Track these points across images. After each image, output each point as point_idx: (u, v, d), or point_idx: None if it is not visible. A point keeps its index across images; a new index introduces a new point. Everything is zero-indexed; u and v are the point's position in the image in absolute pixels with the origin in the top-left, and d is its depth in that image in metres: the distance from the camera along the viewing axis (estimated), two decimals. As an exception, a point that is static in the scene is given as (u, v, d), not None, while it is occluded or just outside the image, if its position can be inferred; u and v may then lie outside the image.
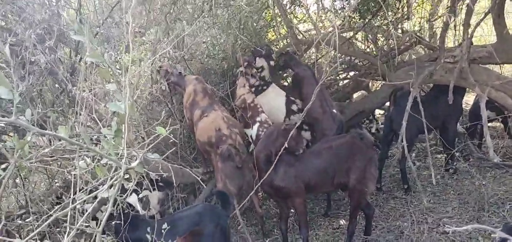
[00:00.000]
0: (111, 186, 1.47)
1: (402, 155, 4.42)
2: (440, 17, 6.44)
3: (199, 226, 2.92)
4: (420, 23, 6.44)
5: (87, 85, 3.10)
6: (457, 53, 4.65)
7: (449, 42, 6.08)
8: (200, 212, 3.04)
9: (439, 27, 6.47)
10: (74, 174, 1.76)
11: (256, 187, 3.53)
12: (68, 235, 1.49)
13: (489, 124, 5.03)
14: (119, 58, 3.95)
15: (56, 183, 3.58)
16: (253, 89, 4.66)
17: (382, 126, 6.30)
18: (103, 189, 1.46)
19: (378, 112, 7.06)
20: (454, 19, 5.13)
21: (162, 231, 2.43)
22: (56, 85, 4.05)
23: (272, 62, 4.77)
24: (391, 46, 5.90)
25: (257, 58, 4.73)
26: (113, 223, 2.88)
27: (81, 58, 3.75)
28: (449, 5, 5.16)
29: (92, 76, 3.24)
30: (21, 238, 2.78)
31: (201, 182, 3.23)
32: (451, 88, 4.37)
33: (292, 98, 4.69)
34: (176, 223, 2.90)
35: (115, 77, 1.66)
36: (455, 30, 6.03)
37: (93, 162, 1.73)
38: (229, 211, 3.22)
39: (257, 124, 4.34)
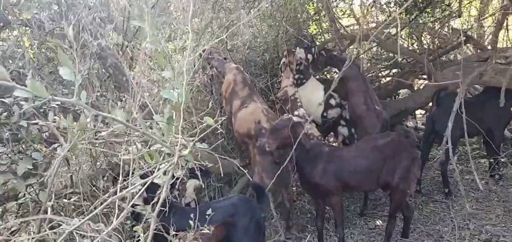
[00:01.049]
0: (164, 173, 1.49)
1: (446, 157, 4.28)
2: (491, 15, 6.16)
3: (233, 218, 2.93)
4: (468, 21, 6.19)
5: (142, 70, 3.17)
6: (510, 54, 4.44)
7: (501, 42, 5.80)
8: (235, 204, 3.04)
9: (490, 26, 6.20)
10: (124, 158, 1.80)
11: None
12: (118, 216, 1.54)
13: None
14: (164, 47, 4.03)
15: (100, 165, 3.69)
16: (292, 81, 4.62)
17: (423, 125, 6.11)
18: (157, 174, 1.48)
19: (419, 112, 6.86)
20: (508, 18, 4.89)
21: (206, 217, 2.45)
22: (103, 70, 4.17)
23: (309, 56, 4.68)
24: (437, 45, 5.71)
25: (297, 48, 4.66)
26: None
27: (127, 44, 3.84)
28: (501, 3, 4.93)
29: (145, 63, 3.30)
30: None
31: (242, 171, 3.22)
32: (503, 91, 4.17)
33: (331, 93, 4.61)
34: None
35: (171, 63, 1.68)
36: (507, 30, 5.76)
37: (144, 148, 1.77)
38: (264, 204, 3.21)
39: (295, 118, 4.31)
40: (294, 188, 4.62)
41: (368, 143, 3.64)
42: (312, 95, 4.62)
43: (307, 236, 4.03)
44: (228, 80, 4.22)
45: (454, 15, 5.62)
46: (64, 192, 3.35)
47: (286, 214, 4.05)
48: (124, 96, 3.81)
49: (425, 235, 3.90)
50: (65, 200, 3.37)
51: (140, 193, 1.62)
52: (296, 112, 4.31)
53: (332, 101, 4.57)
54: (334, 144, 4.61)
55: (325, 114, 4.57)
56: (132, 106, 2.13)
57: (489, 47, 5.02)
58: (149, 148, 1.70)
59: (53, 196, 2.48)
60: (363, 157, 3.52)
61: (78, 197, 3.16)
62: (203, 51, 4.32)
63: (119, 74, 3.69)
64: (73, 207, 3.33)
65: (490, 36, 5.75)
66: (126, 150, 2.04)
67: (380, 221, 4.24)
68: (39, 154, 2.74)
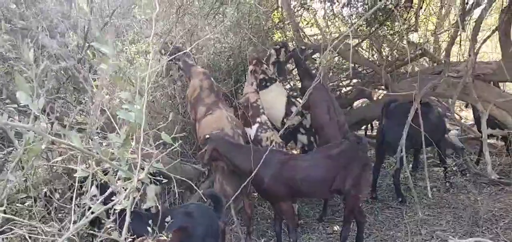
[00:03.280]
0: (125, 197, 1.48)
1: (400, 165, 4.46)
2: (446, 31, 6.49)
3: (190, 225, 2.93)
4: (425, 35, 6.48)
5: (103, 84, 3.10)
6: (462, 68, 4.69)
7: (454, 57, 6.11)
8: (192, 212, 3.04)
9: (444, 40, 6.51)
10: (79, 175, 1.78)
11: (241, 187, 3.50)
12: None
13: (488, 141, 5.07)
14: (126, 49, 3.99)
15: (56, 170, 3.60)
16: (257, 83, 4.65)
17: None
18: (118, 200, 1.47)
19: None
20: (460, 34, 5.17)
21: (165, 223, 2.45)
22: (62, 72, 4.07)
23: (280, 57, 4.74)
24: (395, 57, 5.95)
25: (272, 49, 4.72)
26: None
27: (89, 45, 3.77)
28: (456, 19, 5.20)
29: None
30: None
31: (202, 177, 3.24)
32: (453, 103, 4.41)
33: (293, 100, 4.70)
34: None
35: (131, 82, 1.66)
36: (460, 45, 6.08)
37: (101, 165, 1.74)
38: (222, 213, 3.21)
39: (257, 125, 4.34)
40: (255, 194, 4.66)
41: (322, 152, 3.74)
42: (275, 100, 4.69)
43: (268, 241, 4.10)
44: (194, 85, 4.19)
45: (412, 29, 5.89)
46: (18, 196, 3.26)
47: (247, 220, 4.08)
48: (84, 99, 3.74)
49: (379, 240, 4.04)
50: (19, 204, 3.27)
51: (100, 200, 1.60)
52: (258, 119, 4.34)
53: (294, 109, 4.63)
54: (294, 152, 4.68)
55: (285, 120, 4.64)
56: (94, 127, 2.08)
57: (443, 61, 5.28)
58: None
59: (6, 201, 2.40)
60: (316, 166, 3.59)
61: (32, 202, 3.07)
62: (167, 43, 4.27)
63: (78, 76, 3.61)
64: (27, 211, 3.24)
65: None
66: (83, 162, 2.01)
67: (338, 226, 4.36)
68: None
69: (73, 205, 1.95)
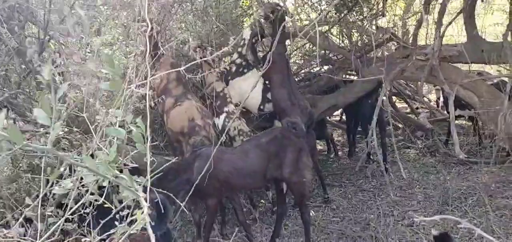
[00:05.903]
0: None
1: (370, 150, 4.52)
2: (413, 15, 6.58)
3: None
4: (393, 20, 6.56)
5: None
6: (429, 51, 4.76)
7: (421, 40, 6.22)
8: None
9: (412, 25, 6.61)
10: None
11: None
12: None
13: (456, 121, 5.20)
14: (90, 41, 3.85)
15: (20, 167, 3.46)
16: (233, 68, 4.56)
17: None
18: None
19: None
20: (427, 18, 5.25)
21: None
22: (23, 66, 3.90)
23: (254, 39, 4.61)
24: (365, 42, 5.99)
25: (245, 30, 4.58)
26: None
27: (50, 38, 3.62)
28: (422, 3, 5.28)
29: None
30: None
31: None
32: (421, 85, 4.47)
33: (269, 86, 4.64)
34: None
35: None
36: (427, 29, 6.19)
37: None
38: (163, 224, 3.07)
39: (224, 114, 4.27)
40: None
41: (251, 142, 3.65)
42: (251, 88, 4.59)
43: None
44: (161, 76, 4.10)
45: (380, 14, 5.94)
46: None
47: (221, 210, 4.06)
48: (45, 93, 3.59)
49: (353, 223, 4.08)
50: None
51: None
52: (225, 109, 4.27)
53: (269, 95, 4.59)
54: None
55: (262, 107, 4.60)
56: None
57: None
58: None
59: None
60: (244, 157, 3.50)
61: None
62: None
63: (40, 70, 3.47)
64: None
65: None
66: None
67: (313, 212, 4.38)
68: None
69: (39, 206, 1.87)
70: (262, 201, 4.67)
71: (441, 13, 4.55)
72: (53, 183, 2.04)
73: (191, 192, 2.82)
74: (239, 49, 4.53)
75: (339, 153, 6.28)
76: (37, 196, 2.66)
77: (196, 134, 3.72)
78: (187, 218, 4.19)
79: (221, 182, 3.42)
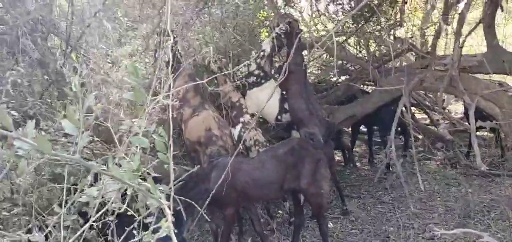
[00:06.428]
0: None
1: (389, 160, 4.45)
2: (432, 25, 6.51)
3: None
4: (412, 30, 6.50)
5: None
6: (448, 61, 4.70)
7: (440, 50, 6.15)
8: None
9: (430, 34, 6.54)
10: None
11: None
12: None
13: (477, 133, 5.10)
14: (111, 52, 3.93)
15: (43, 175, 3.52)
16: (251, 79, 4.57)
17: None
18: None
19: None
20: (446, 28, 5.19)
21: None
22: (45, 76, 3.99)
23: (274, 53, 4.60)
24: (383, 52, 5.95)
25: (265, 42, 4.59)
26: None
27: (72, 49, 3.71)
28: (441, 13, 5.23)
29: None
30: (6, 230, 2.75)
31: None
32: (440, 95, 4.40)
33: (286, 96, 4.62)
34: None
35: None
36: (446, 39, 6.12)
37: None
38: (183, 228, 3.07)
39: (240, 124, 4.29)
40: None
41: (268, 153, 3.62)
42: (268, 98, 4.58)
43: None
44: (178, 85, 4.15)
45: (398, 24, 5.90)
46: (3, 205, 3.17)
47: (238, 220, 4.05)
48: (70, 103, 3.66)
49: (372, 235, 4.02)
50: (5, 213, 3.18)
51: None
52: (241, 119, 4.28)
53: (287, 105, 4.59)
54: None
55: (279, 117, 4.59)
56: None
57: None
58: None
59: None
60: (262, 168, 3.47)
61: (22, 210, 3.00)
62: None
63: (62, 80, 3.55)
64: (15, 220, 3.15)
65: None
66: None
67: (331, 223, 4.34)
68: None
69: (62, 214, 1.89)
70: (279, 211, 4.64)
71: (460, 23, 4.49)
72: (75, 191, 2.06)
73: (208, 202, 2.84)
74: (258, 60, 4.53)
75: (357, 163, 6.21)
76: (60, 204, 2.70)
77: (213, 143, 3.74)
78: (205, 228, 4.19)
79: (238, 192, 3.42)
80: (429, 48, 5.38)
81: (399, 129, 5.72)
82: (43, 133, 3.47)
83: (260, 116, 4.42)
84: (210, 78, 2.92)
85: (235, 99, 4.37)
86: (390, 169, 5.54)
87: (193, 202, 2.33)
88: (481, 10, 5.45)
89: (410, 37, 6.11)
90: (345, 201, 4.58)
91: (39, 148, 1.09)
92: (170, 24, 1.66)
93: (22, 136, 1.08)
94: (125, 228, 1.77)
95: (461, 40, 4.40)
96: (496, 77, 5.65)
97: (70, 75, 3.16)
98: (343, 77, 6.47)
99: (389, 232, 4.03)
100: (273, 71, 4.72)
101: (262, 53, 4.48)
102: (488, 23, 4.65)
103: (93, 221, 1.64)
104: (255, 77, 4.55)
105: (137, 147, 1.58)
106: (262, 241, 3.77)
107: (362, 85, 6.25)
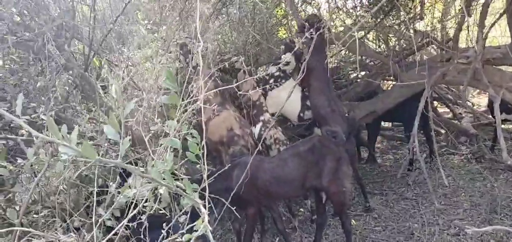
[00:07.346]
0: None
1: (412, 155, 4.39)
2: (453, 17, 6.39)
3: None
4: (432, 23, 6.39)
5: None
6: (471, 54, 4.60)
7: (462, 43, 6.03)
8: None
9: (452, 27, 6.42)
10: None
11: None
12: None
13: (502, 126, 4.98)
14: (132, 55, 3.98)
15: (69, 178, 3.61)
16: (271, 80, 4.59)
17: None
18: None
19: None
20: (468, 20, 5.09)
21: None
22: (70, 80, 4.08)
23: (300, 63, 4.61)
24: (403, 46, 5.87)
25: (287, 53, 4.60)
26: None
27: (94, 53, 3.78)
28: (462, 5, 5.12)
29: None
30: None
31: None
32: (463, 90, 4.33)
33: (307, 93, 4.62)
34: None
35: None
36: (468, 31, 5.98)
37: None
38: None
39: (260, 123, 4.30)
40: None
41: (289, 151, 3.60)
42: (291, 96, 4.59)
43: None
44: (199, 86, 4.18)
45: (418, 17, 5.80)
46: (34, 207, 3.26)
47: (261, 219, 4.07)
48: (94, 107, 3.74)
49: (396, 232, 3.99)
50: (35, 215, 3.27)
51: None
52: (261, 117, 4.30)
53: (309, 102, 4.57)
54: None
55: (301, 115, 4.59)
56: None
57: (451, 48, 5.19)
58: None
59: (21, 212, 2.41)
60: (283, 166, 3.46)
61: (48, 211, 3.08)
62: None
63: (85, 84, 3.62)
64: (43, 221, 3.24)
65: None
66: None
67: (353, 221, 4.31)
68: (5, 170, 2.66)
69: (93, 215, 1.94)
70: (301, 209, 4.64)
71: (483, 14, 4.39)
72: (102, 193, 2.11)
73: (230, 200, 2.85)
74: (280, 66, 4.53)
75: (378, 160, 6.15)
76: (88, 206, 2.77)
77: (235, 143, 3.76)
78: (227, 227, 4.23)
79: (260, 191, 3.43)
80: (451, 41, 5.27)
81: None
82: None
83: (281, 115, 4.43)
84: (237, 83, 2.94)
85: (255, 98, 4.39)
86: (413, 164, 5.47)
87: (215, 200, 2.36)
88: (504, 0, 5.33)
89: (431, 30, 6.01)
90: (368, 197, 4.55)
91: (84, 154, 1.13)
92: (200, 29, 1.69)
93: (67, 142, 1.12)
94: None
95: (484, 31, 4.31)
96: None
97: (105, 79, 3.24)
98: (362, 73, 6.40)
99: (413, 228, 3.98)
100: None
101: (284, 61, 4.48)
102: (511, 14, 4.54)
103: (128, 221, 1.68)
104: (274, 79, 4.57)
105: (169, 148, 1.61)
106: (285, 240, 3.78)
107: (382, 81, 6.18)
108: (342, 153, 3.53)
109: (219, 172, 3.02)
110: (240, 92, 4.17)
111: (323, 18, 4.46)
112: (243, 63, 4.39)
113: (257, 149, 3.49)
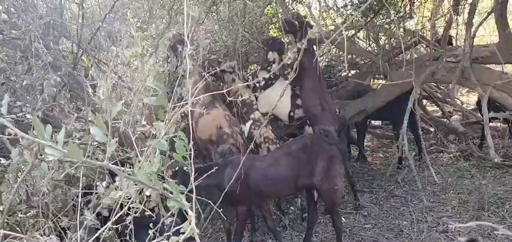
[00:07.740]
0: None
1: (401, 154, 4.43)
2: (442, 16, 6.44)
3: None
4: (422, 22, 6.43)
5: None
6: (459, 53, 4.65)
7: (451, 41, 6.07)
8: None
9: (441, 26, 6.47)
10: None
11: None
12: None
13: (490, 124, 5.03)
14: (121, 53, 3.95)
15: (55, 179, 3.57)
16: (262, 82, 4.57)
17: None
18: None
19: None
20: (457, 19, 5.13)
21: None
22: (58, 79, 4.03)
23: (283, 58, 4.63)
24: (392, 45, 5.90)
25: (270, 52, 4.60)
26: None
27: (83, 52, 3.74)
28: (451, 4, 5.16)
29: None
30: (22, 233, 2.80)
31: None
32: (452, 88, 4.37)
33: (297, 92, 4.63)
34: None
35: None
36: (457, 30, 6.03)
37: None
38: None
39: (250, 121, 4.30)
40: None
41: (281, 150, 3.62)
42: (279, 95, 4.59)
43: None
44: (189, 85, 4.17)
45: (407, 16, 5.84)
46: (19, 207, 3.22)
47: (251, 217, 4.07)
48: (82, 106, 3.71)
49: (386, 230, 4.01)
50: (21, 215, 3.23)
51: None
52: (252, 116, 4.30)
53: (299, 101, 4.57)
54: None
55: (292, 114, 4.59)
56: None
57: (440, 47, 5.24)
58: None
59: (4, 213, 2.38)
60: (275, 164, 3.48)
61: (35, 211, 3.04)
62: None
63: (74, 83, 3.59)
64: (30, 222, 3.20)
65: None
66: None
67: (343, 218, 4.33)
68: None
69: (78, 216, 1.92)
70: (291, 208, 4.65)
71: (471, 13, 4.43)
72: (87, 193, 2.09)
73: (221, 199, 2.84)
74: (269, 68, 4.54)
75: (368, 158, 6.18)
76: (75, 206, 2.74)
77: (224, 141, 3.75)
78: (218, 226, 4.22)
79: (252, 189, 3.43)
80: (440, 39, 5.32)
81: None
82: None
83: (273, 114, 4.43)
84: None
85: (245, 97, 4.39)
86: (402, 162, 5.51)
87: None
88: (492, 0, 5.38)
89: (421, 29, 6.06)
90: (358, 195, 4.57)
91: (71, 155, 1.12)
92: (188, 31, 1.68)
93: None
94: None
95: (472, 30, 4.35)
96: (509, 67, 5.59)
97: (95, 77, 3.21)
98: (352, 72, 6.43)
99: (402, 226, 4.01)
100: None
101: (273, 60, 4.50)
102: (500, 12, 4.58)
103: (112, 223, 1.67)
104: (265, 81, 4.57)
105: (156, 150, 1.61)
106: (275, 238, 3.79)
107: (372, 79, 6.21)
108: (335, 152, 3.55)
109: (209, 166, 3.01)
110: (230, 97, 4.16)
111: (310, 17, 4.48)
112: (235, 66, 4.39)
113: (249, 148, 3.47)
